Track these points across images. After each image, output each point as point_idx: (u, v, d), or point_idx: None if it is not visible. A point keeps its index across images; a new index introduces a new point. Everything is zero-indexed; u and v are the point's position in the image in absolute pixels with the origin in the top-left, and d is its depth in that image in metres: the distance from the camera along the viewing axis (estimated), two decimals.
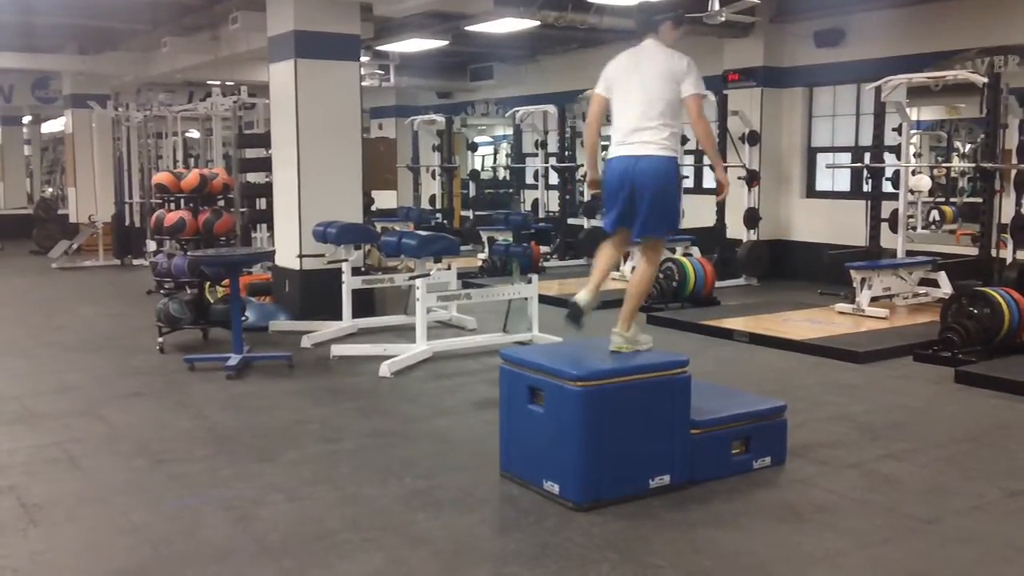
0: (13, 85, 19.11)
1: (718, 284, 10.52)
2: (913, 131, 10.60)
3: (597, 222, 14.73)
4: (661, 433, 4.51)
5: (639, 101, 4.85)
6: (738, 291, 11.32)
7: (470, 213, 16.64)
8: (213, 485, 4.77)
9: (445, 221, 15.99)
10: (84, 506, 4.51)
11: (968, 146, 14.45)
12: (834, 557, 3.89)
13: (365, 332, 8.69)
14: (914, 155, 10.97)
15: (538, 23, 11.45)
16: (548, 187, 15.44)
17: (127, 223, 15.38)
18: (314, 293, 9.14)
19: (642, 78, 4.88)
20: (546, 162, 15.27)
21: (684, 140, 12.56)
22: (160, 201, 9.09)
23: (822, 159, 12.77)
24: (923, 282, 9.67)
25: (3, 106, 20.20)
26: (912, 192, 10.46)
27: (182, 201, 8.64)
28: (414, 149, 17.35)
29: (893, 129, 10.07)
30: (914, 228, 10.49)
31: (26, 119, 23.10)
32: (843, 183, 12.59)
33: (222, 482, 4.82)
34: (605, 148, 5.85)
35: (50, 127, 23.92)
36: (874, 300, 9.15)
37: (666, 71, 4.84)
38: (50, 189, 24.86)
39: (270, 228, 10.83)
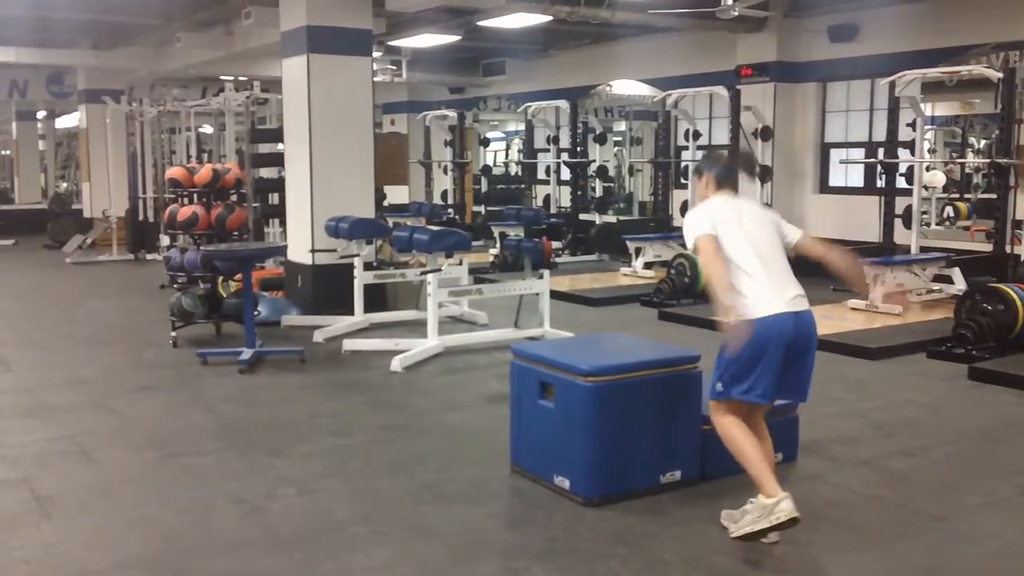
0: (28, 80, 19.19)
1: None
2: (927, 127, 10.53)
3: (608, 218, 14.76)
4: (672, 428, 4.49)
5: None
6: None
7: (482, 208, 16.63)
8: (224, 478, 4.80)
9: (457, 216, 15.98)
10: (96, 498, 4.53)
11: (983, 142, 14.36)
12: (844, 553, 3.88)
13: (377, 327, 8.70)
14: (928, 151, 10.91)
15: (550, 18, 11.44)
16: (560, 182, 15.41)
17: (141, 218, 15.45)
18: (326, 288, 9.15)
19: None
20: (558, 157, 15.24)
21: (697, 135, 12.66)
22: (173, 196, 9.12)
23: (836, 155, 12.73)
24: (937, 278, 9.61)
25: (18, 101, 20.32)
26: (926, 188, 10.41)
27: (195, 196, 8.66)
28: (426, 144, 17.34)
29: (907, 124, 10.02)
30: (928, 224, 10.44)
31: (41, 114, 23.19)
32: (856, 179, 12.54)
33: (233, 475, 4.84)
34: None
35: (64, 122, 24.01)
36: (887, 296, 9.11)
37: None
38: (64, 184, 24.97)
39: (282, 223, 10.85)
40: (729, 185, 4.18)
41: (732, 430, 3.93)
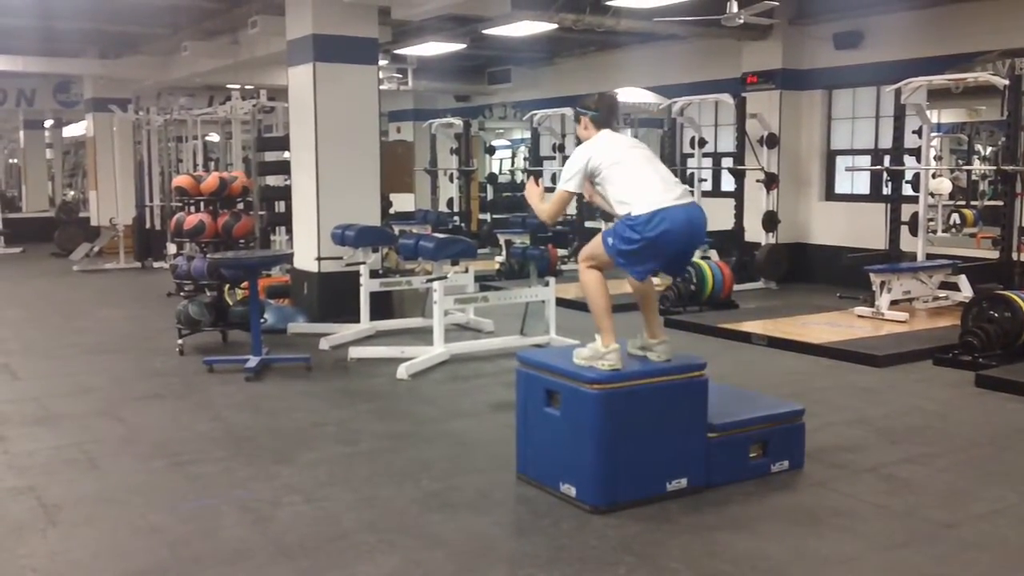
0: (35, 89, 19.29)
1: (736, 287, 10.48)
2: (933, 134, 10.51)
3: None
4: (678, 436, 4.49)
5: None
6: (756, 294, 11.28)
7: (487, 216, 16.61)
8: (230, 486, 4.80)
9: (462, 224, 15.97)
10: (102, 507, 4.54)
11: (989, 149, 14.33)
12: (851, 561, 3.87)
13: (383, 334, 8.71)
14: (934, 158, 10.88)
15: (556, 26, 11.46)
16: None
17: (147, 226, 15.50)
18: (332, 296, 9.17)
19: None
20: (563, 165, 15.22)
21: (702, 143, 12.67)
22: (180, 204, 9.15)
23: (841, 162, 12.71)
24: (943, 285, 9.60)
25: (25, 110, 20.39)
26: (932, 195, 10.38)
27: (202, 204, 8.68)
28: (432, 152, 17.36)
29: (913, 132, 10.00)
30: (934, 231, 10.41)
31: (48, 123, 23.27)
32: (862, 186, 12.53)
33: (239, 483, 4.84)
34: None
35: (72, 131, 24.07)
36: (894, 303, 9.10)
37: None
38: (72, 192, 25.05)
39: (289, 231, 10.87)
40: (608, 124, 4.78)
41: (590, 277, 4.66)
